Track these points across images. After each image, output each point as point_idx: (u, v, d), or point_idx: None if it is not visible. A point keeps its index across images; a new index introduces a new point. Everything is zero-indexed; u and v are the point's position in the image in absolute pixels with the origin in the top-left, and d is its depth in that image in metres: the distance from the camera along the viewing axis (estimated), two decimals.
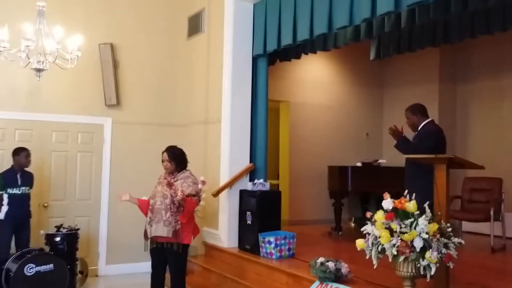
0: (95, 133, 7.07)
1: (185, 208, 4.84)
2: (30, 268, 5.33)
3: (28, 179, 5.92)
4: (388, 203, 3.82)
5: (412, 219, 3.67)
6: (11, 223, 5.71)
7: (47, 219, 6.57)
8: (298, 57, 7.63)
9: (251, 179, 6.43)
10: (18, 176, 5.80)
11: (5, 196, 5.71)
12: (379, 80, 10.01)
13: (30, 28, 5.28)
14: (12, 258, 5.50)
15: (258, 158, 6.62)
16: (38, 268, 5.37)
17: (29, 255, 5.41)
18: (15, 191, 5.74)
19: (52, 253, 5.65)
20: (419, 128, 5.00)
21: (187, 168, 5.12)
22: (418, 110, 5.07)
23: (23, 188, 5.81)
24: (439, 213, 3.90)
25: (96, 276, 6.83)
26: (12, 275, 5.25)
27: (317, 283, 4.57)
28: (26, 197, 5.87)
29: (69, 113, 6.86)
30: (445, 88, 8.91)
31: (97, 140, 7.08)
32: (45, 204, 6.63)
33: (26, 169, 5.97)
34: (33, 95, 6.63)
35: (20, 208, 5.80)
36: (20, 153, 5.85)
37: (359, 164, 7.90)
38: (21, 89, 6.57)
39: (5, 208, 5.70)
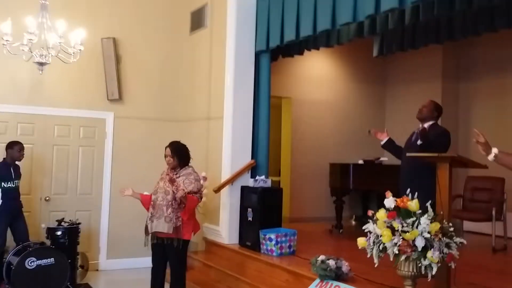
0: (97, 128, 7.06)
1: (187, 205, 4.83)
2: (31, 262, 5.34)
3: (18, 172, 5.91)
4: (390, 201, 3.80)
5: (414, 218, 3.66)
6: (6, 216, 5.71)
7: (48, 212, 6.57)
8: (301, 53, 7.61)
9: (253, 176, 6.42)
10: (11, 169, 5.79)
11: None
12: (381, 77, 9.98)
13: (33, 22, 5.27)
14: (13, 251, 5.53)
15: (260, 155, 6.60)
16: (39, 262, 5.38)
17: (30, 249, 5.42)
18: (10, 184, 5.72)
19: (53, 246, 5.66)
20: (426, 126, 4.99)
21: (190, 164, 5.11)
22: (439, 112, 5.10)
23: (16, 181, 5.82)
24: (441, 212, 3.89)
25: (97, 270, 6.83)
26: (13, 268, 5.27)
27: (317, 281, 4.56)
28: (18, 190, 5.87)
29: (71, 107, 6.85)
30: (448, 85, 8.87)
31: (99, 135, 7.07)
32: (47, 198, 6.63)
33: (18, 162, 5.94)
34: (35, 89, 6.62)
35: (14, 201, 5.80)
36: (14, 146, 5.83)
37: (360, 161, 7.88)
38: (23, 82, 6.56)
39: None
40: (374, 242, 3.81)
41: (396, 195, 3.87)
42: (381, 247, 3.74)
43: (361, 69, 9.72)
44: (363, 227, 3.95)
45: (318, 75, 9.37)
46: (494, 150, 2.64)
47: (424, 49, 7.58)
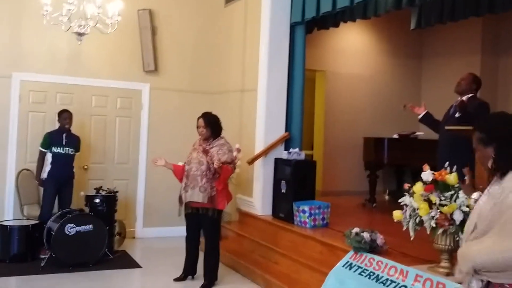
0: (133, 99, 7.16)
1: (221, 175, 4.90)
2: (70, 228, 5.51)
3: (73, 141, 6.09)
4: (427, 174, 3.76)
5: (452, 192, 3.62)
6: (54, 182, 5.92)
7: (87, 181, 6.75)
8: (336, 25, 7.50)
9: (286, 148, 6.43)
10: (64, 136, 5.97)
11: (49, 156, 5.92)
12: (418, 51, 9.75)
13: None
14: (53, 217, 5.71)
15: (293, 127, 6.60)
16: (79, 228, 5.54)
17: (70, 215, 5.59)
18: (59, 150, 5.92)
19: (92, 214, 5.81)
20: (464, 98, 4.90)
21: (222, 135, 5.16)
22: (478, 84, 5.00)
23: (67, 148, 5.98)
24: (481, 186, 3.82)
25: (133, 238, 7.01)
26: (53, 234, 5.44)
27: (351, 253, 4.57)
28: (69, 158, 6.05)
29: (108, 78, 6.95)
30: (487, 60, 8.62)
31: (135, 106, 7.17)
32: (85, 167, 6.79)
33: (74, 132, 6.16)
34: (74, 60, 6.73)
35: (63, 168, 5.99)
36: (61, 114, 6.06)
37: (395, 136, 7.78)
38: (62, 53, 6.68)
39: (48, 167, 5.91)
40: (410, 215, 3.79)
41: (433, 169, 3.83)
42: (417, 220, 3.73)
43: (397, 43, 9.52)
44: (399, 200, 3.94)
45: (353, 48, 9.22)
46: (475, 195, 2.62)
47: (463, 22, 7.37)
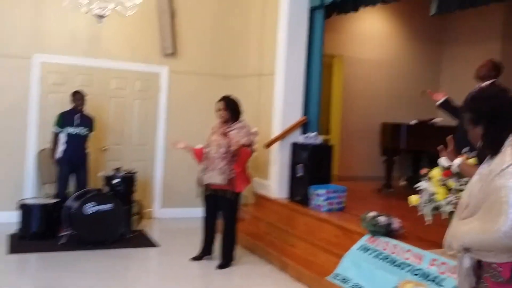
0: (152, 81, 7.21)
1: (240, 158, 4.95)
2: (90, 207, 5.60)
3: (86, 121, 6.17)
4: (446, 160, 3.75)
5: None
6: (68, 161, 6.03)
7: (105, 162, 6.84)
8: (356, 9, 7.41)
9: (303, 132, 6.45)
10: (76, 116, 6.06)
11: (63, 136, 6.02)
12: (437, 37, 9.64)
13: None
14: (73, 196, 5.81)
15: (311, 112, 6.61)
16: (98, 207, 5.63)
17: (89, 195, 5.68)
18: (71, 130, 6.01)
19: (111, 193, 5.91)
20: (484, 85, 4.86)
21: (241, 118, 5.19)
22: (498, 71, 4.96)
23: (79, 128, 6.07)
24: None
25: (151, 218, 7.12)
26: (73, 212, 5.54)
27: (367, 236, 4.62)
28: (82, 138, 6.14)
29: (127, 60, 6.99)
30: (508, 47, 8.49)
31: (154, 88, 7.22)
32: (104, 148, 6.89)
33: (87, 112, 6.23)
34: (93, 42, 6.79)
35: (77, 148, 6.09)
36: (74, 95, 6.14)
37: (413, 122, 7.75)
38: (82, 35, 6.73)
39: (62, 147, 6.02)
40: (427, 200, 3.81)
41: None
42: (434, 205, 3.75)
43: (416, 28, 9.42)
44: (416, 185, 3.95)
45: (371, 33, 9.15)
46: (457, 161, 2.64)
47: (484, 9, 7.24)
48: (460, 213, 2.19)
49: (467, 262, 2.14)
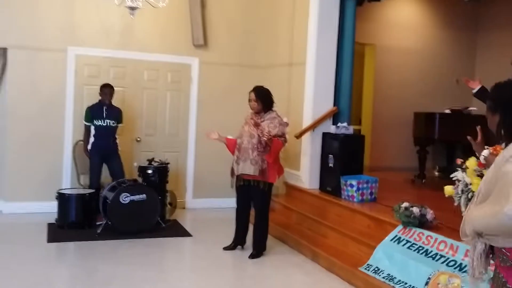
0: (183, 73, 7.27)
1: (272, 148, 4.96)
2: (125, 197, 5.72)
3: (114, 113, 6.26)
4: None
5: None
6: (98, 153, 6.17)
7: (139, 152, 6.96)
8: None
9: (335, 123, 6.42)
10: (104, 109, 6.17)
11: (93, 128, 6.16)
12: (472, 24, 9.42)
13: None
14: (108, 187, 5.94)
15: (342, 102, 6.56)
16: (132, 197, 5.74)
17: (124, 185, 5.81)
18: (100, 122, 6.13)
19: (145, 184, 6.02)
20: None
21: (273, 108, 5.20)
22: None
23: (108, 120, 6.18)
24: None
25: (184, 208, 7.22)
26: (109, 202, 5.67)
27: (400, 227, 4.58)
28: (111, 130, 6.24)
29: (159, 52, 7.07)
30: None
31: (185, 80, 7.29)
32: (138, 139, 7.00)
33: (115, 104, 6.33)
34: (126, 34, 6.88)
35: (105, 140, 6.20)
36: (102, 88, 6.22)
37: (447, 111, 7.61)
38: (114, 27, 6.83)
39: (92, 139, 6.16)
40: (462, 190, 3.76)
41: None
42: (469, 196, 3.69)
43: (450, 15, 9.22)
44: (451, 175, 3.90)
45: (404, 21, 9.00)
46: (485, 153, 2.59)
47: None
48: (475, 199, 2.20)
49: (480, 247, 2.15)
